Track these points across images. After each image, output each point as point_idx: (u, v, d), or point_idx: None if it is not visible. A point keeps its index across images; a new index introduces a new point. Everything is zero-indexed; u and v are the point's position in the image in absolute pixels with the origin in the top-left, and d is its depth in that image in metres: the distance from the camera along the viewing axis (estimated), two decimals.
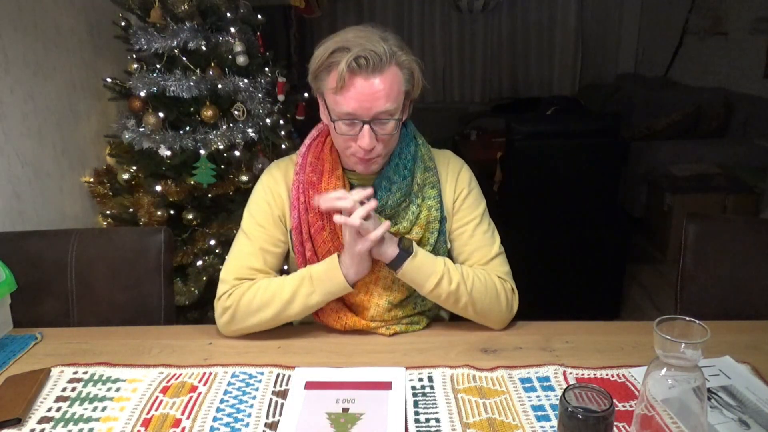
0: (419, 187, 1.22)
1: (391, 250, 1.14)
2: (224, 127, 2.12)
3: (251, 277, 1.21)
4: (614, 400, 0.77)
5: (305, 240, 1.21)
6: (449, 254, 1.32)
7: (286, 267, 1.33)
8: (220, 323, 1.21)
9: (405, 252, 1.15)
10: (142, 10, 2.12)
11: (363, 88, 1.06)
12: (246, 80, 2.15)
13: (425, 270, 1.16)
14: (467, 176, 1.29)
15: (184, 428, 0.94)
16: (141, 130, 2.10)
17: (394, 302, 1.22)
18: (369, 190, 1.10)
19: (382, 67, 1.06)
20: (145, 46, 2.05)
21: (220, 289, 1.21)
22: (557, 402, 0.87)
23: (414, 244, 1.17)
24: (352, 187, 1.22)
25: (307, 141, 1.26)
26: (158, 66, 2.08)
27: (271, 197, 1.24)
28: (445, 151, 1.32)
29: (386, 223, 1.11)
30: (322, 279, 1.16)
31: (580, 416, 0.75)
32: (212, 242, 2.17)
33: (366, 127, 1.08)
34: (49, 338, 1.23)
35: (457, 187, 1.27)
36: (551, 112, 4.08)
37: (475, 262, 1.25)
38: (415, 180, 1.22)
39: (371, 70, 1.05)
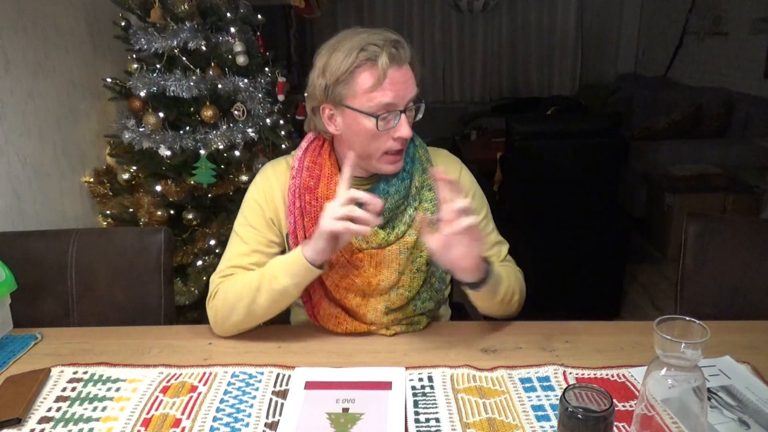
0: (417, 189, 1.21)
1: (482, 269, 1.09)
2: (224, 127, 2.12)
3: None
4: (614, 400, 0.77)
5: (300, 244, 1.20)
6: None
7: None
8: (211, 324, 1.22)
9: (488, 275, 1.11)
10: (142, 10, 2.12)
11: (398, 78, 1.08)
12: (246, 80, 2.15)
13: (497, 280, 1.15)
14: (468, 178, 1.29)
15: (184, 428, 0.94)
16: (141, 130, 2.10)
17: (392, 307, 1.20)
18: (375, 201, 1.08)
19: (407, 55, 1.10)
20: (145, 46, 2.05)
21: (209, 291, 1.22)
22: (557, 402, 0.87)
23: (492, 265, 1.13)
24: None
25: (303, 144, 1.25)
26: (158, 66, 2.08)
27: (263, 199, 1.23)
28: (442, 150, 1.32)
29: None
30: (283, 260, 1.14)
31: (580, 416, 0.75)
32: (212, 242, 2.17)
33: (403, 115, 1.10)
34: (49, 338, 1.23)
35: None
36: (551, 112, 4.09)
37: None
38: (414, 182, 1.21)
39: (402, 59, 1.09)
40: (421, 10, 5.82)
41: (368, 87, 1.07)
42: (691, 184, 3.49)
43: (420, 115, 1.15)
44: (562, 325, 1.23)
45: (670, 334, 0.75)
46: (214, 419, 0.96)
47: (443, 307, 1.35)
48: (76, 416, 0.97)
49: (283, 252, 1.26)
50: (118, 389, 1.04)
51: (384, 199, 1.17)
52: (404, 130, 1.10)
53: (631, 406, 0.96)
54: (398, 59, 1.07)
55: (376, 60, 1.06)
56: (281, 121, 2.40)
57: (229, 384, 1.05)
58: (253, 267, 1.21)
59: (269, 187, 1.24)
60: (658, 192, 3.65)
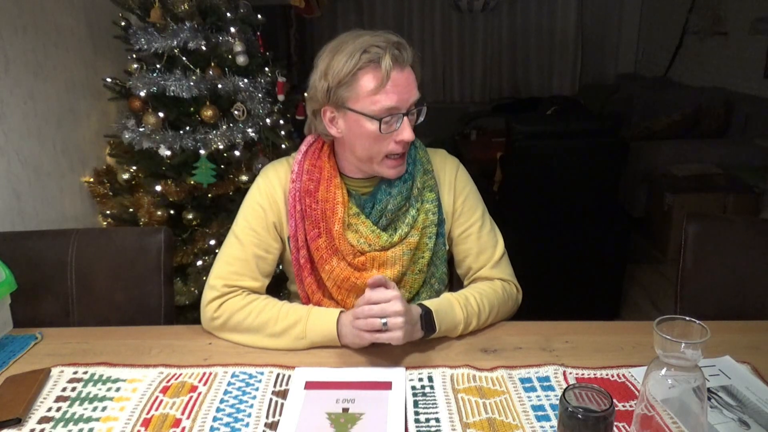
0: (419, 190, 1.21)
1: (417, 335, 1.11)
2: (224, 127, 2.12)
3: (240, 284, 1.20)
4: (614, 400, 0.77)
5: (300, 247, 1.20)
6: (453, 257, 1.31)
7: (280, 267, 1.33)
8: (207, 327, 1.21)
9: (429, 332, 1.12)
10: (142, 10, 2.12)
11: (400, 80, 1.08)
12: (246, 80, 2.15)
13: (448, 329, 1.16)
14: (464, 177, 1.29)
15: (184, 428, 0.94)
16: (141, 130, 2.10)
17: None
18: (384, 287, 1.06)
19: (409, 57, 1.10)
20: (145, 46, 2.05)
21: (208, 294, 1.20)
22: (557, 402, 0.87)
23: (432, 313, 1.12)
24: (350, 194, 1.21)
25: (302, 147, 1.24)
26: (158, 66, 2.08)
27: (266, 202, 1.22)
28: (440, 150, 1.32)
29: (399, 335, 1.04)
30: (316, 330, 1.13)
31: (580, 416, 0.75)
32: (212, 242, 2.17)
33: (406, 118, 1.10)
34: (49, 338, 1.23)
35: (456, 189, 1.26)
36: (551, 112, 4.08)
37: (482, 264, 1.26)
38: (415, 184, 1.21)
39: (404, 61, 1.09)
40: (421, 10, 5.82)
41: (371, 89, 1.07)
42: (691, 184, 3.49)
43: (422, 118, 1.15)
44: (562, 325, 1.23)
45: (670, 334, 0.75)
46: (214, 419, 0.96)
47: None
48: (76, 416, 0.97)
49: (281, 257, 1.26)
50: (118, 389, 1.04)
51: (386, 201, 1.18)
52: (407, 133, 1.10)
53: (631, 406, 0.96)
54: (401, 61, 1.07)
55: (379, 62, 1.05)
56: (281, 121, 2.40)
57: (229, 384, 1.05)
58: (255, 275, 1.21)
59: (272, 190, 1.22)
60: (658, 192, 3.65)
